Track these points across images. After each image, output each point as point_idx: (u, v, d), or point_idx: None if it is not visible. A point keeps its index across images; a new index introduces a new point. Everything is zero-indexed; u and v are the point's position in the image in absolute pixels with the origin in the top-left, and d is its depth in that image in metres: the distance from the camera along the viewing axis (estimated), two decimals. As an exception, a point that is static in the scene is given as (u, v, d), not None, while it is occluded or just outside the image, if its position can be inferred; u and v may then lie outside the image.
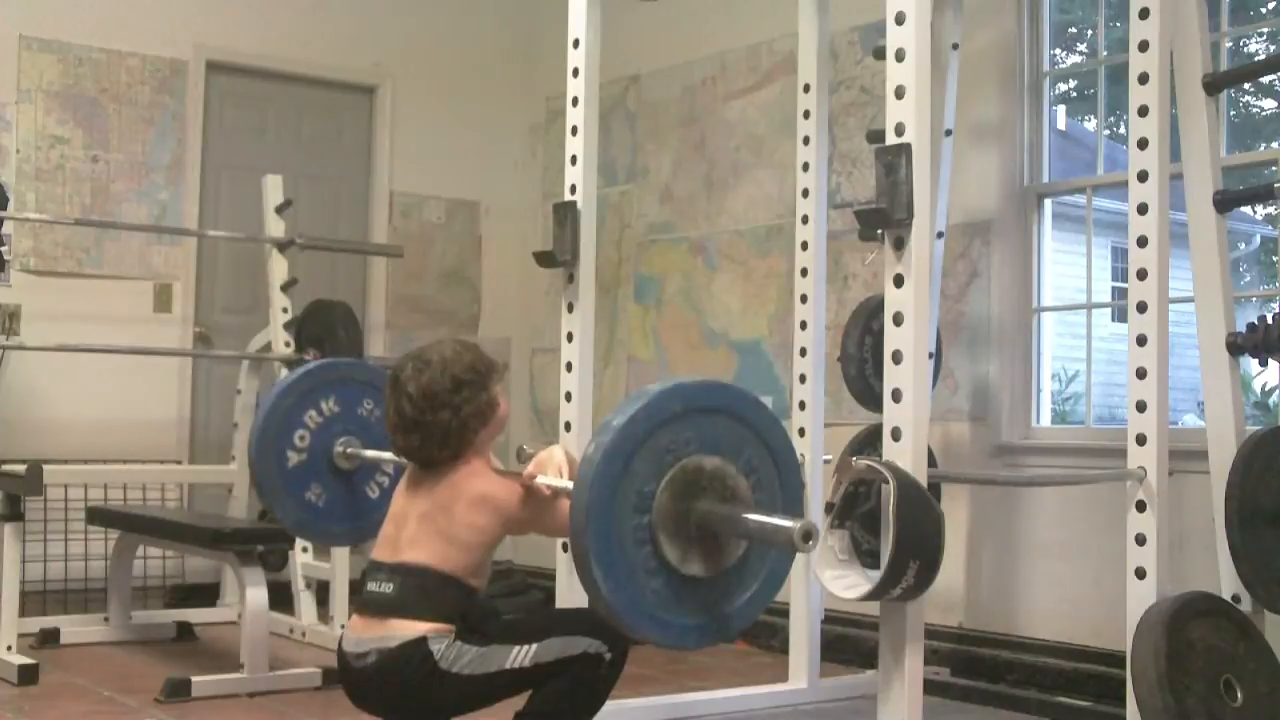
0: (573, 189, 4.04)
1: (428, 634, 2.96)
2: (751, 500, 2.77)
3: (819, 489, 4.48)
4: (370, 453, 3.94)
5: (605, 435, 2.66)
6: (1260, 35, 6.17)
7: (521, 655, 3.02)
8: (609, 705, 3.58)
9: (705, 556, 2.75)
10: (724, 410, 2.81)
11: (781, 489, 2.85)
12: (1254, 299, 10.43)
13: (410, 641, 2.95)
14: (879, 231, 3.18)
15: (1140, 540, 3.58)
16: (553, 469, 3.11)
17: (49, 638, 5.12)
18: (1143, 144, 3.66)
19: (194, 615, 5.61)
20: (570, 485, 2.98)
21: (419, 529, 3.04)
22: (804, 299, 4.49)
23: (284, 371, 5.69)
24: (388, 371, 3.22)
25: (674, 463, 2.72)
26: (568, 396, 4.03)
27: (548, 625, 3.15)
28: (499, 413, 3.15)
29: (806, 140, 4.52)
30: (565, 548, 3.96)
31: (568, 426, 4.03)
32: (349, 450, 3.95)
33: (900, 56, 3.04)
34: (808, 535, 2.64)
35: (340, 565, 5.28)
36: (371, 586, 3.06)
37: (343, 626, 5.27)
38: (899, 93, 3.04)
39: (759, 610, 2.91)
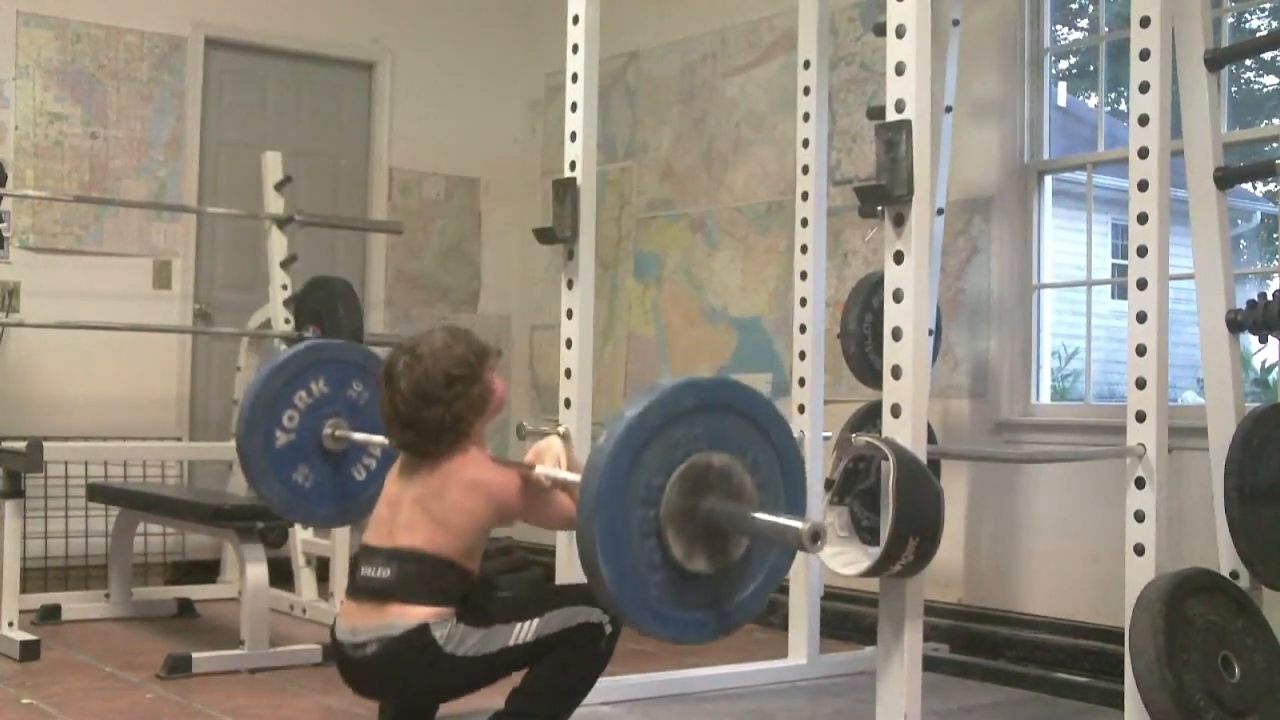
0: (572, 165, 4.03)
1: (429, 620, 2.96)
2: (756, 498, 2.77)
3: (819, 466, 4.49)
4: (359, 435, 3.93)
5: (618, 425, 2.65)
6: (1262, 11, 6.15)
7: (525, 630, 3.03)
8: (608, 681, 3.61)
9: (709, 552, 2.75)
10: (734, 408, 2.81)
11: (785, 489, 2.86)
12: (1254, 276, 10.44)
13: (413, 630, 2.95)
14: (879, 208, 3.18)
15: (1139, 517, 3.59)
16: (550, 459, 3.11)
17: (50, 614, 5.13)
18: (1143, 120, 3.65)
19: (194, 592, 5.62)
20: (570, 476, 2.99)
21: (413, 513, 3.04)
22: (804, 275, 4.49)
23: (283, 348, 5.70)
24: (382, 356, 3.22)
25: (684, 458, 2.71)
26: (567, 373, 4.03)
27: (550, 599, 3.16)
28: (494, 399, 3.15)
29: (806, 117, 4.51)
30: (565, 525, 3.96)
31: (567, 403, 4.03)
32: (337, 432, 3.94)
33: (900, 32, 3.03)
34: (816, 536, 2.63)
35: (340, 542, 5.29)
36: (367, 572, 3.05)
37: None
38: (899, 69, 3.03)
39: (758, 607, 2.91)
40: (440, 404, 3.05)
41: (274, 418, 3.90)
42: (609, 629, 3.06)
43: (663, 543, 2.68)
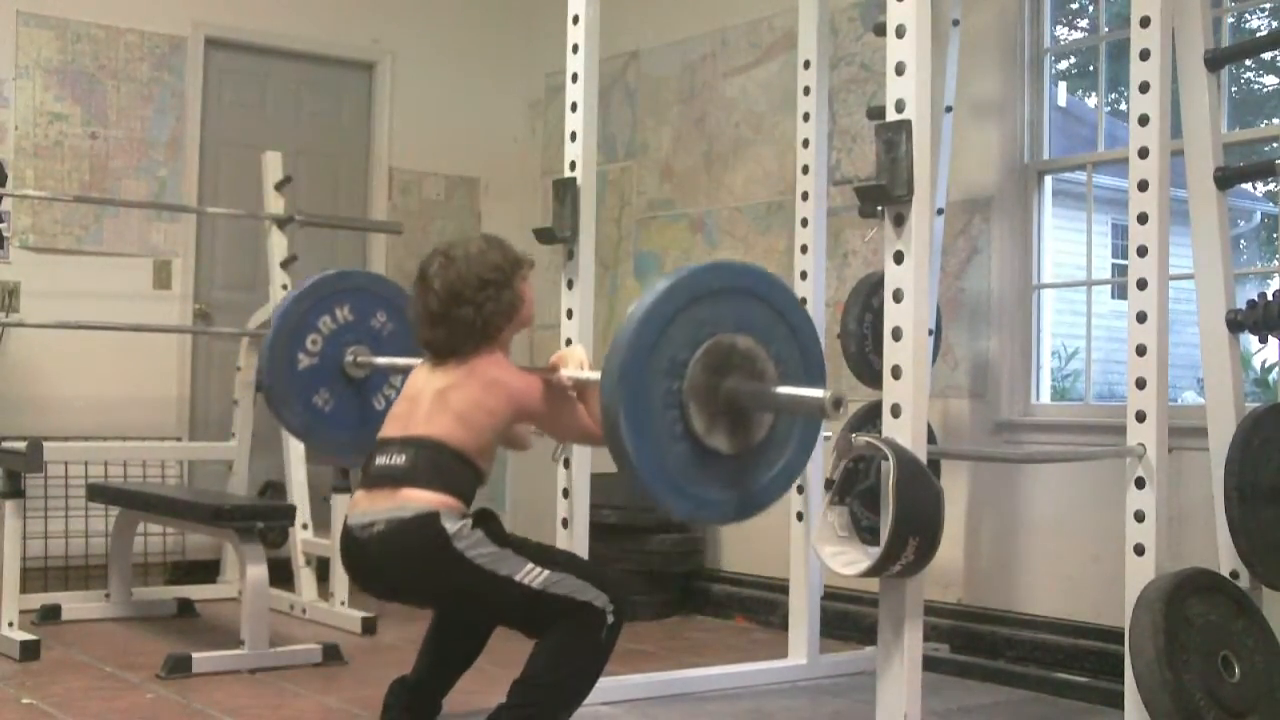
0: (572, 165, 4.03)
1: (440, 509, 2.99)
2: (778, 382, 2.86)
3: (819, 465, 4.49)
4: (381, 359, 4.01)
5: (648, 296, 2.74)
6: (1262, 11, 6.15)
7: (534, 574, 3.03)
8: (608, 681, 3.61)
9: (730, 432, 2.83)
10: (762, 297, 2.92)
11: (807, 385, 2.92)
12: (1254, 276, 10.44)
13: (424, 514, 2.98)
14: (879, 208, 3.18)
15: (1139, 517, 3.59)
16: (574, 364, 3.17)
17: (50, 614, 5.13)
18: (1143, 120, 3.65)
19: (194, 592, 5.62)
20: (593, 376, 3.04)
21: (434, 406, 3.09)
22: (804, 276, 4.49)
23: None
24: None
25: (709, 336, 2.80)
26: (567, 373, 4.03)
27: (565, 561, 3.17)
28: (524, 308, 3.23)
29: (806, 117, 4.51)
30: (564, 493, 3.95)
31: (567, 403, 4.02)
32: (359, 358, 4.01)
33: (900, 32, 3.04)
34: (838, 402, 2.72)
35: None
36: (381, 461, 3.10)
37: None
38: (899, 69, 3.03)
39: (775, 495, 2.99)
40: (471, 305, 3.12)
41: (299, 340, 3.98)
42: (610, 619, 3.06)
43: (685, 415, 2.76)
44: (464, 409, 3.07)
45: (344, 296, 4.08)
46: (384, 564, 3.06)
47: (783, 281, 3.04)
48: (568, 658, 3.05)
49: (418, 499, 3.00)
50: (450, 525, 2.98)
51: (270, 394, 4.04)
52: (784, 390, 2.83)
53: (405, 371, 3.82)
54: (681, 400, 2.76)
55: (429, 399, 3.11)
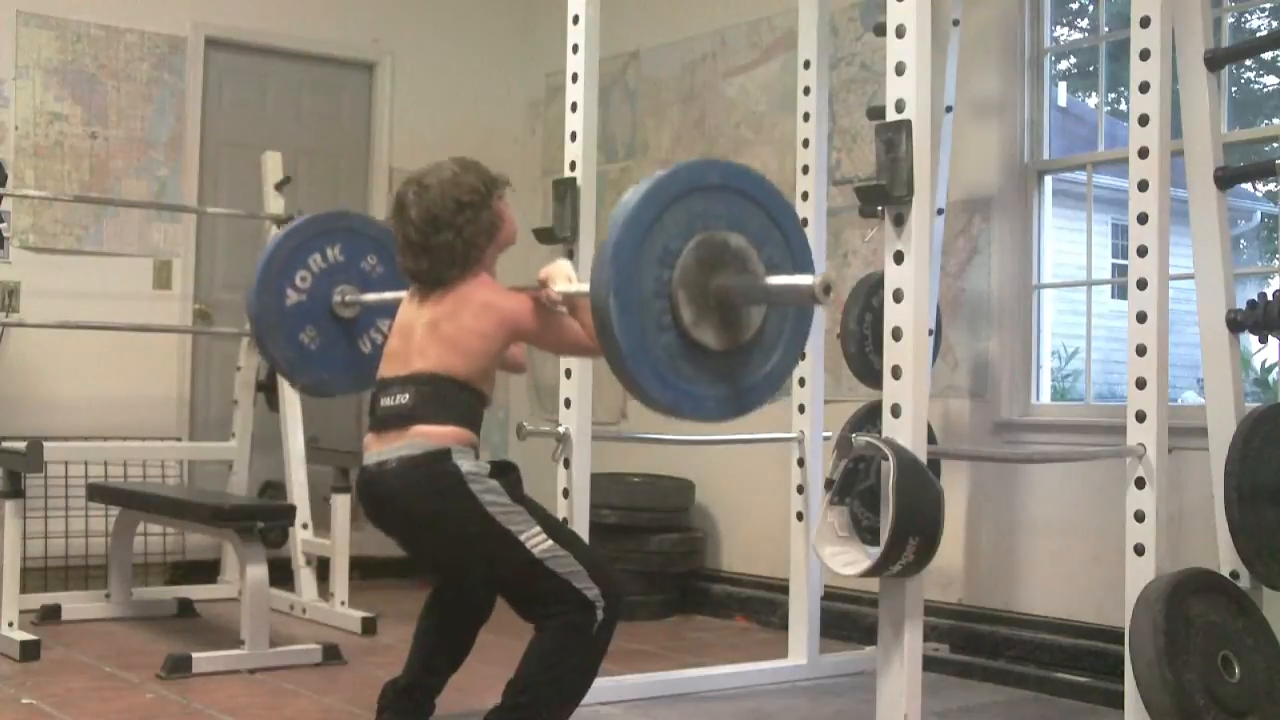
0: (572, 165, 4.04)
1: (452, 445, 3.01)
2: None
3: (819, 465, 4.49)
4: (369, 295, 4.03)
5: (644, 183, 2.78)
6: (1262, 11, 6.15)
7: (538, 541, 3.04)
8: (608, 681, 3.62)
9: (718, 328, 2.85)
10: (758, 200, 2.93)
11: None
12: (1254, 276, 10.44)
13: (435, 451, 3.01)
14: (879, 208, 3.18)
15: (1139, 517, 3.59)
16: (561, 278, 3.18)
17: (50, 614, 5.13)
18: (1143, 120, 3.65)
19: (195, 592, 5.62)
20: (582, 288, 3.05)
21: (426, 338, 3.10)
22: (804, 276, 4.49)
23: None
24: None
25: (703, 229, 2.82)
26: (567, 373, 4.03)
27: (570, 541, 3.16)
28: (505, 226, 3.23)
29: (806, 117, 4.51)
30: (564, 493, 3.94)
31: (567, 403, 4.03)
32: (347, 298, 4.03)
33: (901, 32, 3.04)
34: (828, 287, 2.74)
35: (341, 541, 5.29)
36: (385, 402, 3.11)
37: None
38: (899, 69, 3.03)
39: (763, 398, 3.02)
40: (450, 229, 3.12)
41: (287, 275, 4.03)
42: (601, 615, 3.05)
43: (674, 305, 2.78)
44: (457, 337, 3.08)
45: (336, 236, 4.13)
46: (399, 500, 3.08)
47: (781, 194, 3.05)
48: (561, 656, 3.04)
49: (427, 434, 3.03)
50: (464, 464, 3.01)
51: (256, 327, 4.07)
52: (774, 280, 2.84)
53: (393, 312, 3.85)
54: (671, 290, 2.78)
55: (421, 332, 3.12)
